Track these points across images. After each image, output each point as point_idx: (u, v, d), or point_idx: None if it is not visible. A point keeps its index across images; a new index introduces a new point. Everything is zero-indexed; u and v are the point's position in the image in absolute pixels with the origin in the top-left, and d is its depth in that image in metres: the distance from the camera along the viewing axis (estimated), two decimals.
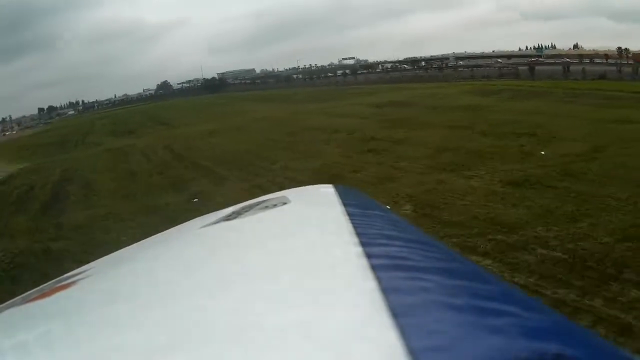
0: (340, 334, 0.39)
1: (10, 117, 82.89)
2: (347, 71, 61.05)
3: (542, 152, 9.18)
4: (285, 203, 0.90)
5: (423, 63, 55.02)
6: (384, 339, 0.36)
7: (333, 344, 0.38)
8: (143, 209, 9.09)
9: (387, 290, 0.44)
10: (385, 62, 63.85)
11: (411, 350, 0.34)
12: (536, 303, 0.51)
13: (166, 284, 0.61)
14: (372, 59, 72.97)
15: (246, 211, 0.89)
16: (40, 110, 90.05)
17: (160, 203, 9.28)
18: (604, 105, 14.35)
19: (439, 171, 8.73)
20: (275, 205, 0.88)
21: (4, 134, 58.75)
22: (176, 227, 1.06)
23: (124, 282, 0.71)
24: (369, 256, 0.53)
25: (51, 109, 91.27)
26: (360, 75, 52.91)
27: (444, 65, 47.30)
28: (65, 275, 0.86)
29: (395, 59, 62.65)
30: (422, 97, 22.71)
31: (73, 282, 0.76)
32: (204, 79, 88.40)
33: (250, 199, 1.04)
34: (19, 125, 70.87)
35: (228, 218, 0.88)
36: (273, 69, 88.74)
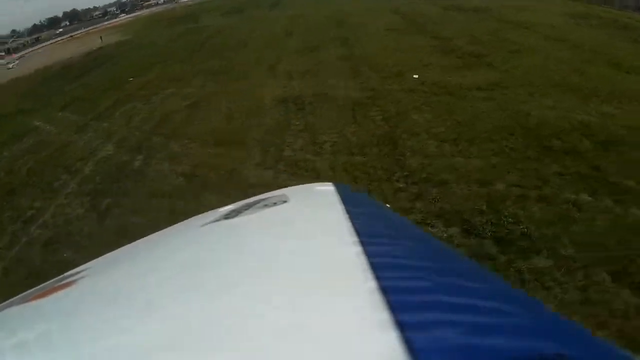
0: (339, 333, 0.40)
1: None
2: None
3: None
4: (284, 201, 0.90)
5: None
6: (383, 338, 0.37)
7: (333, 343, 0.38)
8: None
9: (386, 290, 0.44)
10: None
11: (411, 349, 0.35)
12: (536, 303, 0.51)
13: (165, 284, 0.61)
14: None
15: (245, 209, 0.89)
16: None
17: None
18: None
19: None
20: (274, 204, 0.89)
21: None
22: (175, 225, 1.06)
23: (123, 281, 0.71)
24: (368, 255, 0.53)
25: None
26: None
27: None
28: (65, 274, 0.87)
29: None
30: None
31: (72, 282, 0.77)
32: None
33: None
34: None
35: (227, 217, 0.88)
36: None
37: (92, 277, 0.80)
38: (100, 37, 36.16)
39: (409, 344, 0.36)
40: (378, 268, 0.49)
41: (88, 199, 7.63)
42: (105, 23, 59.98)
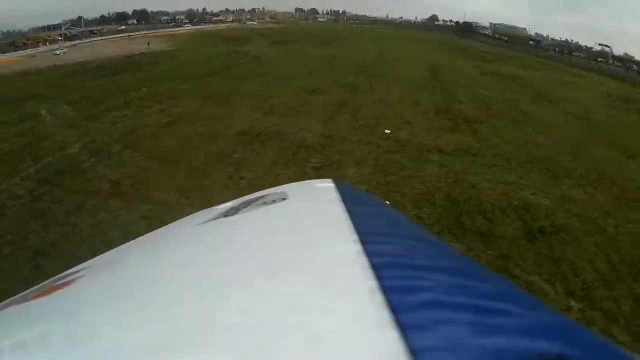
0: (340, 332, 0.39)
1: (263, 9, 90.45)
2: None
3: None
4: (284, 199, 0.89)
5: None
6: (384, 337, 0.36)
7: (333, 342, 0.38)
8: None
9: (387, 289, 0.44)
10: None
11: (411, 349, 0.34)
12: (537, 303, 0.49)
13: (164, 282, 0.60)
14: None
15: (244, 207, 0.88)
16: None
17: None
18: None
19: None
20: (274, 201, 0.88)
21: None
22: (174, 223, 1.05)
23: (121, 280, 0.70)
24: (369, 254, 0.53)
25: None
26: None
27: None
28: (63, 273, 0.86)
29: None
30: None
31: (70, 281, 0.76)
32: None
33: None
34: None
35: (226, 214, 0.87)
36: None
37: (91, 276, 0.80)
38: (148, 43, 37.17)
39: (409, 344, 0.35)
40: (378, 267, 0.49)
41: (34, 184, 8.19)
42: (168, 29, 60.63)
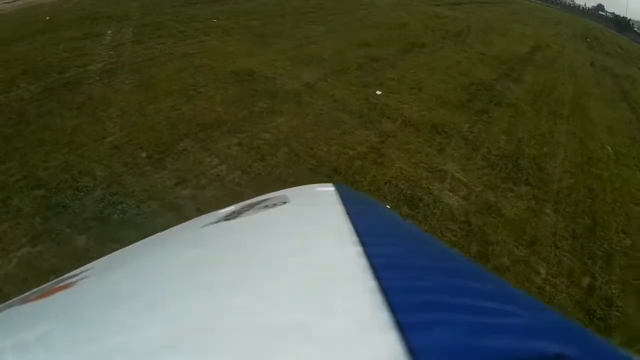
0: (340, 334, 0.39)
1: None
2: None
3: None
4: (284, 202, 0.90)
5: None
6: (383, 338, 0.37)
7: (333, 344, 0.38)
8: None
9: (387, 290, 0.44)
10: None
11: (411, 349, 0.35)
12: (536, 303, 0.51)
13: (166, 284, 0.61)
14: None
15: (246, 210, 0.89)
16: None
17: None
18: None
19: None
20: (274, 205, 0.89)
21: None
22: (175, 227, 1.07)
23: (123, 282, 0.71)
24: (368, 255, 0.53)
25: None
26: None
27: None
28: (65, 275, 0.87)
29: None
30: None
31: (72, 283, 0.76)
32: None
33: None
34: None
35: (227, 218, 0.88)
36: None
37: (93, 278, 0.80)
38: None
39: (409, 344, 0.36)
40: (378, 268, 0.50)
41: (39, 90, 8.29)
42: None
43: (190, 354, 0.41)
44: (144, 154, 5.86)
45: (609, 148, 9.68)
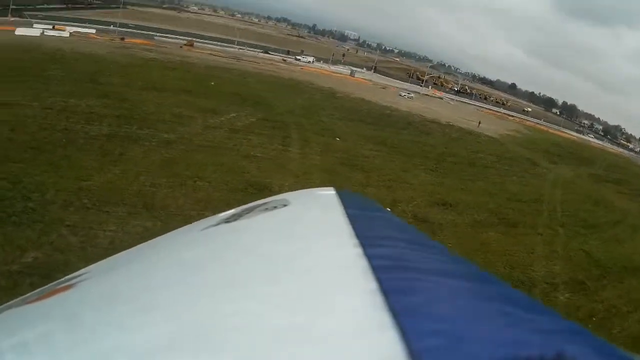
0: (341, 335, 0.40)
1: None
2: None
3: None
4: (285, 205, 0.90)
5: None
6: (384, 340, 0.37)
7: (334, 345, 0.38)
8: None
9: (387, 292, 0.44)
10: None
11: (412, 351, 0.35)
12: (536, 303, 0.50)
13: (166, 287, 0.61)
14: None
15: (246, 213, 0.90)
16: None
17: None
18: None
19: None
20: (275, 208, 0.89)
21: None
22: (175, 230, 1.07)
23: (123, 284, 0.71)
24: (369, 257, 0.53)
25: None
26: None
27: None
28: (65, 277, 0.87)
29: None
30: None
31: (72, 285, 0.76)
32: None
33: None
34: None
35: (228, 220, 0.88)
36: None
37: (93, 280, 0.81)
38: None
39: (409, 345, 0.36)
40: (378, 269, 0.50)
41: None
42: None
43: (190, 354, 0.41)
44: None
45: None
